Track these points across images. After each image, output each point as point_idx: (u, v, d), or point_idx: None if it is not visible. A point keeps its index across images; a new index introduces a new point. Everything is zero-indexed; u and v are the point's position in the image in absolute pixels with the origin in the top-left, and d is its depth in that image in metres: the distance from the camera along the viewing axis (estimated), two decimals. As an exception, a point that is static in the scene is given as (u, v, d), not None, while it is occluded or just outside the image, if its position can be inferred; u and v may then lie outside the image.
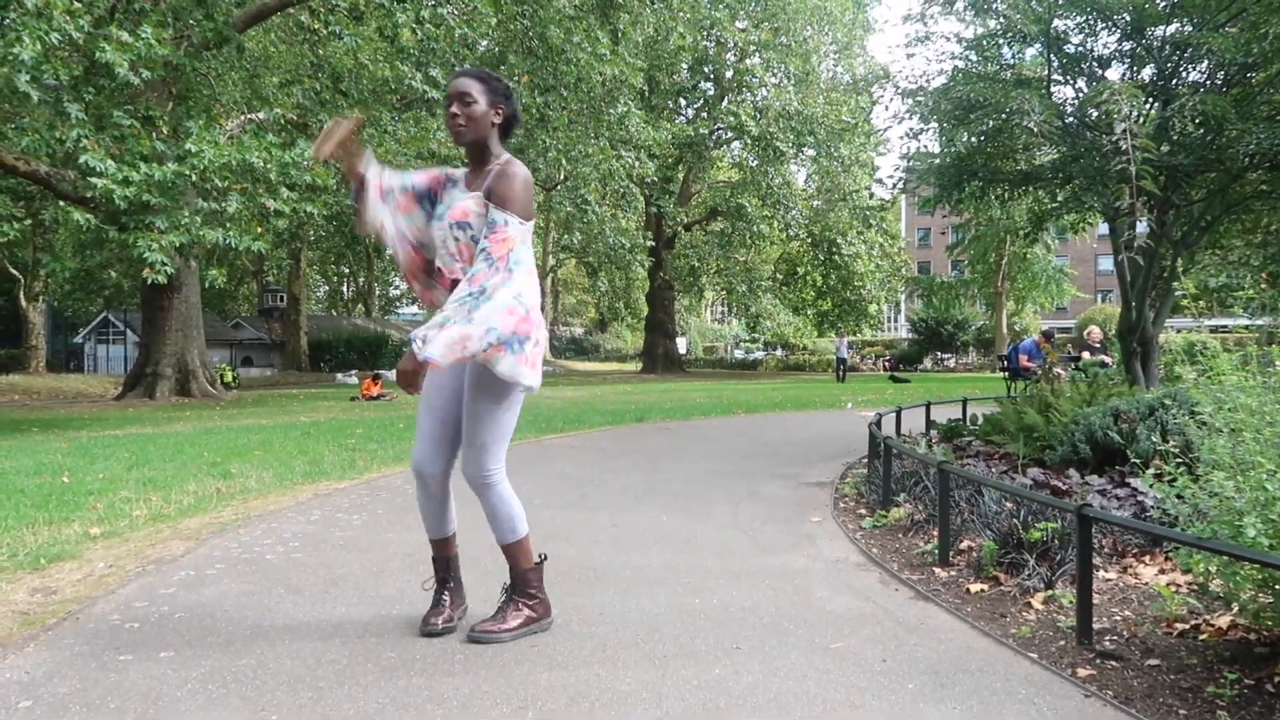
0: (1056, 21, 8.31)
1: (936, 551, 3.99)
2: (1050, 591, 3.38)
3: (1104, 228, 10.92)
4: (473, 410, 2.85)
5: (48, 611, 3.21)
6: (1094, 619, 2.94)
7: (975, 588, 3.51)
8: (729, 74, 33.42)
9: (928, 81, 10.43)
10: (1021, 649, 2.85)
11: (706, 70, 33.39)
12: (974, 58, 9.51)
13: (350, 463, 7.22)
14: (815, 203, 34.00)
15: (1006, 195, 10.03)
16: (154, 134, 11.27)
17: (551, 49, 16.42)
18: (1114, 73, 8.83)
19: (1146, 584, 3.53)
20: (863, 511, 5.25)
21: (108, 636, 2.91)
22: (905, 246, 45.73)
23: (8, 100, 10.59)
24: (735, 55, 32.76)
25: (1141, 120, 6.35)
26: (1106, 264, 50.04)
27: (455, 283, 2.79)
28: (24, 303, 31.90)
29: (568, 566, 3.81)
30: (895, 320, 61.94)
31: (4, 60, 9.21)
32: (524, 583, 2.97)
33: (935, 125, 9.49)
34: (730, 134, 32.84)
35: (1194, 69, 8.26)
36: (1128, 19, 7.77)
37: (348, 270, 49.58)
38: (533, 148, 18.07)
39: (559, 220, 32.64)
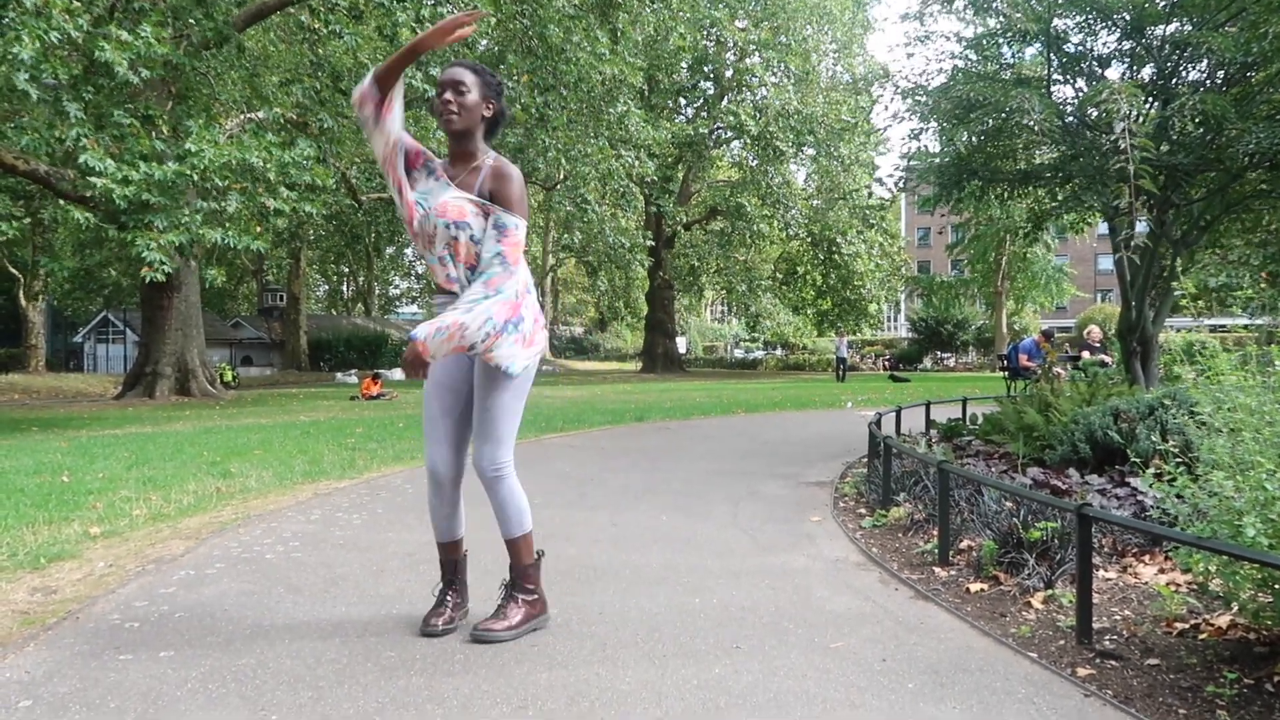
0: (1056, 21, 8.31)
1: (936, 551, 3.99)
2: (1050, 591, 3.38)
3: (1104, 227, 10.92)
4: (484, 404, 2.88)
5: (48, 611, 3.21)
6: (1094, 618, 2.94)
7: (975, 587, 3.51)
8: (729, 73, 33.41)
9: (927, 81, 10.44)
10: (1021, 648, 2.85)
11: (706, 69, 33.39)
12: (974, 57, 9.51)
13: (350, 462, 7.22)
14: (815, 202, 33.99)
15: (1006, 194, 10.03)
16: (154, 133, 11.27)
17: (551, 48, 16.43)
18: (1114, 72, 8.84)
19: (1146, 583, 3.54)
20: (862, 511, 5.25)
21: (108, 636, 2.92)
22: (905, 246, 45.69)
23: (7, 99, 10.59)
24: (735, 54, 32.73)
25: (1141, 119, 6.35)
26: (1106, 263, 50.06)
27: (448, 275, 2.84)
28: (23, 302, 31.91)
29: (567, 566, 3.81)
30: (895, 320, 61.94)
31: (3, 59, 9.21)
32: (524, 579, 2.99)
33: (935, 124, 9.48)
34: (730, 133, 32.82)
35: (1194, 68, 8.26)
36: (1127, 18, 7.77)
37: (347, 270, 49.63)
38: (533, 147, 18.06)
39: (559, 220, 32.67)
